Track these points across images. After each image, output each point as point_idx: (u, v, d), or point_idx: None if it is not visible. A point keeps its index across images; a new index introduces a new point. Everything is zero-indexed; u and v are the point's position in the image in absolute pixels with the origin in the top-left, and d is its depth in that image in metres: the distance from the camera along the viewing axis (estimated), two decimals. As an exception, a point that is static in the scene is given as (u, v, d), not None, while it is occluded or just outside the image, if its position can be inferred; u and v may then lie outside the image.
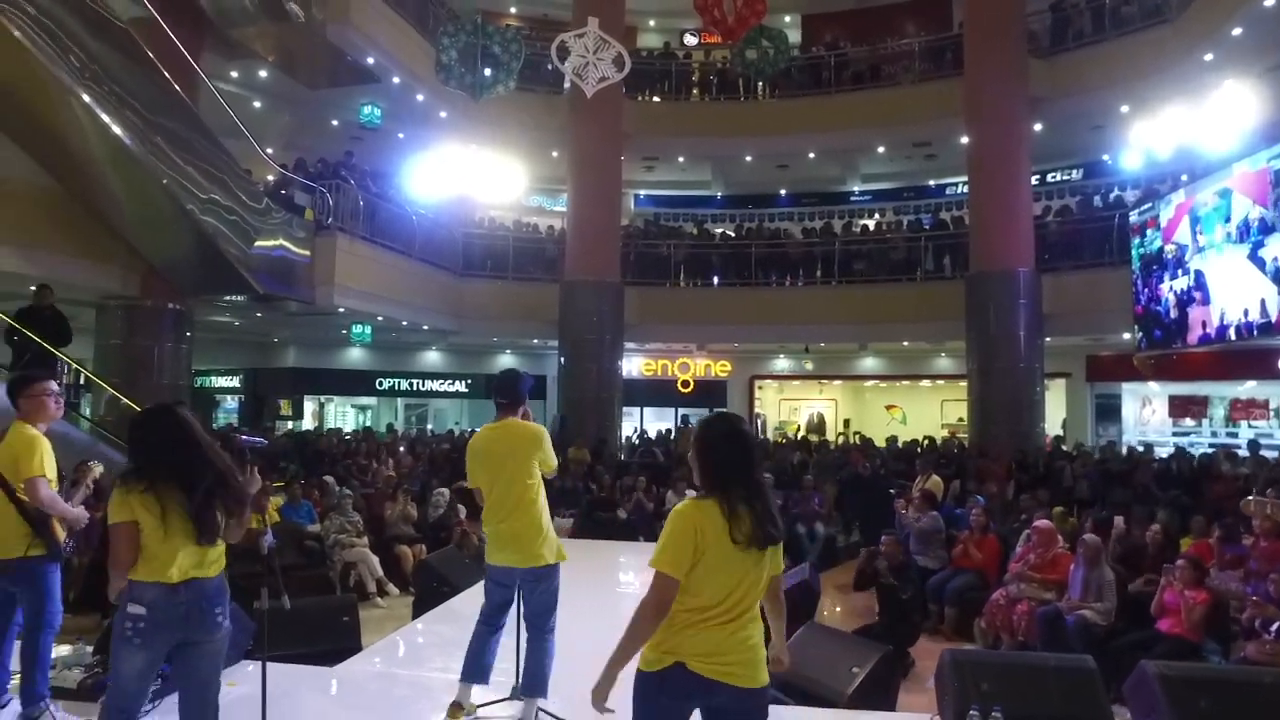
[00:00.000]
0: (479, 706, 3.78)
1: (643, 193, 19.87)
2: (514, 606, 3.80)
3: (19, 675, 3.67)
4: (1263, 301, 9.28)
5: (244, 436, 3.34)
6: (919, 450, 13.46)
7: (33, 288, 8.56)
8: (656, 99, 16.45)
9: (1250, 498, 5.76)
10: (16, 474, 3.55)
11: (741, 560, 2.32)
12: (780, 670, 2.48)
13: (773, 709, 4.04)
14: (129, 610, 2.73)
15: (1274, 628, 4.74)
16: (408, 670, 4.58)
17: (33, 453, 3.56)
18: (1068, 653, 4.78)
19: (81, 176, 8.66)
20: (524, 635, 3.76)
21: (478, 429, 4.22)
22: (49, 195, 8.67)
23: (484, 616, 3.78)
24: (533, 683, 3.66)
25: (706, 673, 2.28)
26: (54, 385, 3.85)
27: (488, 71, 7.87)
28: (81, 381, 11.68)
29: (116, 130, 7.92)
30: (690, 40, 19.17)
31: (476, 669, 3.71)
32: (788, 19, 17.82)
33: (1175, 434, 15.22)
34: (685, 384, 18.17)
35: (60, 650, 4.20)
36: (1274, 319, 9.11)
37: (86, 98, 7.60)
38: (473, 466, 3.81)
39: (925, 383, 18.57)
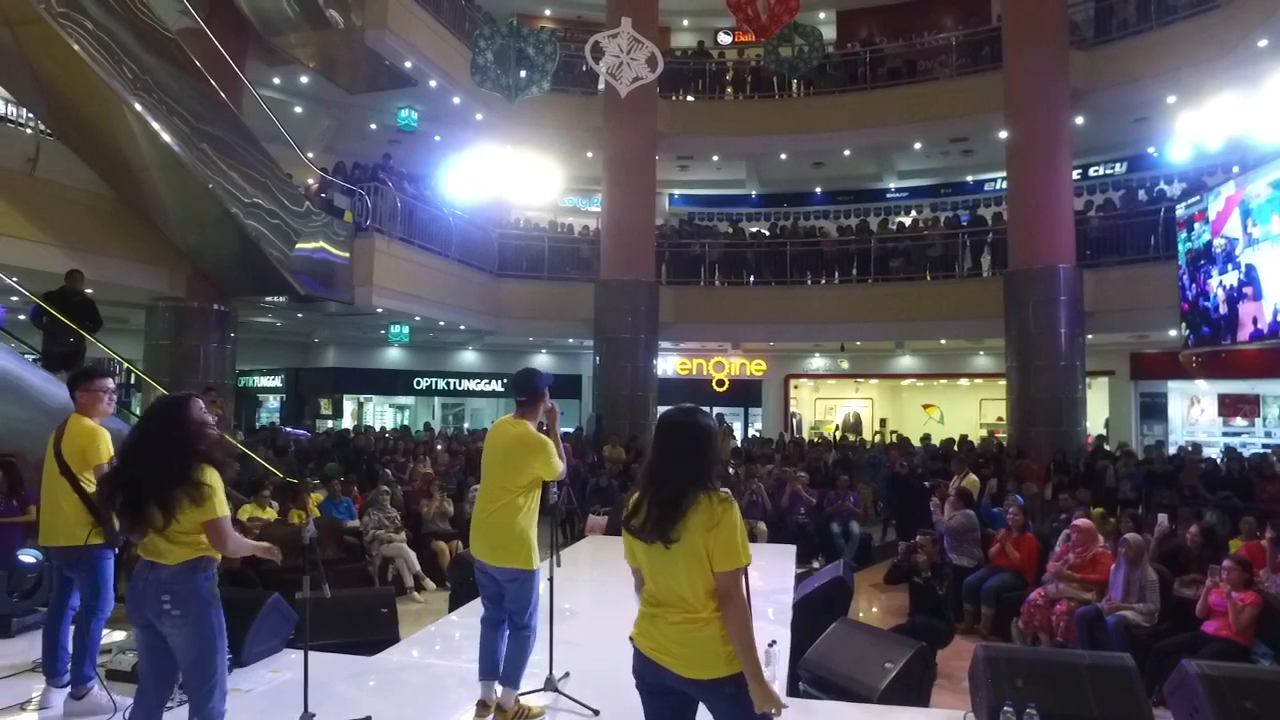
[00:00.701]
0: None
1: (677, 192, 19.89)
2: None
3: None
4: (1317, 296, 8.99)
5: (287, 429, 3.44)
6: (955, 449, 13.28)
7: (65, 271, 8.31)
8: (691, 98, 16.46)
9: None
10: (84, 463, 3.74)
11: (646, 550, 2.43)
12: (774, 714, 2.38)
13: (806, 703, 4.07)
14: None
15: None
16: (444, 661, 4.66)
17: (99, 442, 3.78)
18: (1107, 653, 4.68)
19: (132, 183, 8.97)
20: (555, 629, 3.80)
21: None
22: (103, 202, 9.01)
23: (485, 614, 3.83)
24: (506, 672, 3.70)
25: (647, 651, 2.43)
26: (110, 383, 4.04)
27: (523, 73, 7.96)
28: (132, 381, 12.08)
29: (166, 137, 8.19)
30: (724, 39, 19.16)
31: (489, 665, 3.76)
32: (823, 15, 17.71)
33: (1226, 434, 14.80)
34: (720, 383, 18.15)
35: (116, 636, 4.37)
36: (1328, 314, 8.82)
37: (139, 107, 7.88)
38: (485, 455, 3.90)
39: (963, 381, 18.30)
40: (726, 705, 2.38)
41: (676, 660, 2.37)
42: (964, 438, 14.64)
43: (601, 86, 13.81)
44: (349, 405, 19.60)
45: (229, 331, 11.15)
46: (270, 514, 8.03)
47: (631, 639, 2.49)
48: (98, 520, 3.72)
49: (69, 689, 3.76)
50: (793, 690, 4.29)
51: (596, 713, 3.73)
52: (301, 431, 3.15)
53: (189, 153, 8.43)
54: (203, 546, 2.92)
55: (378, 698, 3.99)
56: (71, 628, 3.86)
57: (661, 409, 14.51)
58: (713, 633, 2.35)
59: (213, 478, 2.90)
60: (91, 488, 3.72)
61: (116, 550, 3.94)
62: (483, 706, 3.74)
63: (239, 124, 9.39)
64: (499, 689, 3.73)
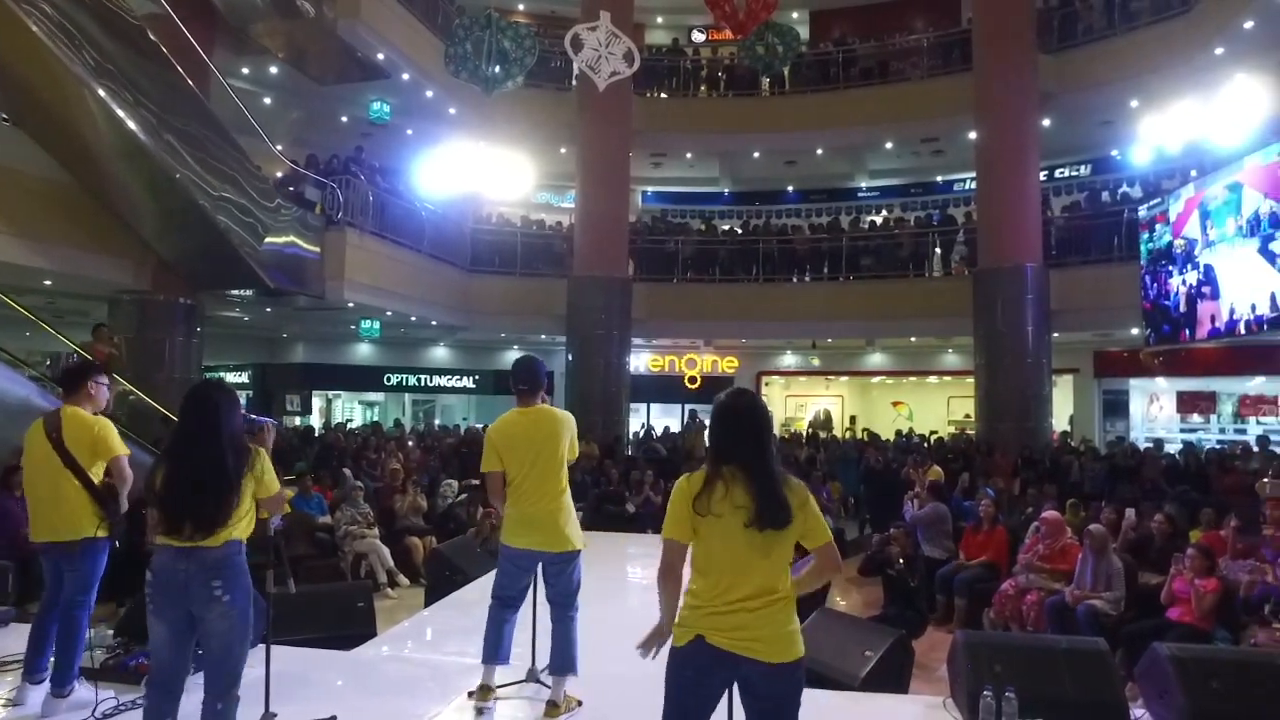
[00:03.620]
0: (498, 688, 3.82)
1: (650, 189, 19.90)
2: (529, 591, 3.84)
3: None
4: (1273, 295, 9.26)
5: (254, 415, 3.42)
6: (925, 445, 13.49)
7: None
8: (664, 95, 16.48)
9: (1265, 480, 5.76)
10: (95, 456, 3.69)
11: (737, 534, 2.35)
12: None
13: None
14: (146, 576, 2.84)
15: None
16: (421, 654, 4.63)
17: (113, 434, 3.77)
18: (1078, 640, 4.79)
19: (95, 171, 8.73)
20: (538, 620, 3.79)
21: (488, 422, 4.24)
22: (62, 190, 8.75)
23: (501, 600, 3.79)
24: (562, 661, 3.70)
25: (726, 645, 2.32)
26: (105, 379, 4.07)
27: (496, 68, 7.89)
28: (102, 380, 11.74)
29: (130, 125, 7.99)
30: (698, 37, 19.21)
31: (497, 651, 3.75)
32: (796, 15, 17.82)
33: (1183, 430, 15.19)
34: (692, 380, 18.20)
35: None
36: (1284, 313, 9.10)
37: (101, 93, 7.67)
38: (501, 451, 3.77)
39: (932, 379, 18.56)
40: (795, 687, 2.38)
41: (766, 647, 2.32)
42: (934, 434, 14.87)
43: (575, 82, 13.77)
44: (317, 401, 19.33)
45: (195, 326, 10.92)
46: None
47: (700, 637, 2.35)
48: (106, 512, 3.68)
49: (47, 686, 3.67)
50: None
51: (580, 704, 3.73)
52: (269, 419, 3.10)
53: (154, 142, 8.23)
54: (240, 524, 2.91)
55: (354, 691, 3.95)
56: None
57: (634, 406, 14.45)
58: (790, 613, 2.39)
59: (265, 454, 3.06)
60: (99, 480, 3.69)
61: (116, 543, 3.87)
62: (485, 690, 3.73)
63: (207, 113, 9.19)
64: (499, 670, 3.76)
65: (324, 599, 4.91)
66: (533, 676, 3.90)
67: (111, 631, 4.21)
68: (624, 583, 6.92)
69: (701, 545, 2.39)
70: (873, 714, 3.90)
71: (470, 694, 3.79)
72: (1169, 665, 3.49)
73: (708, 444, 2.53)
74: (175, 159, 8.48)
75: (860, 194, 18.97)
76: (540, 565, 3.78)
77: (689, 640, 2.36)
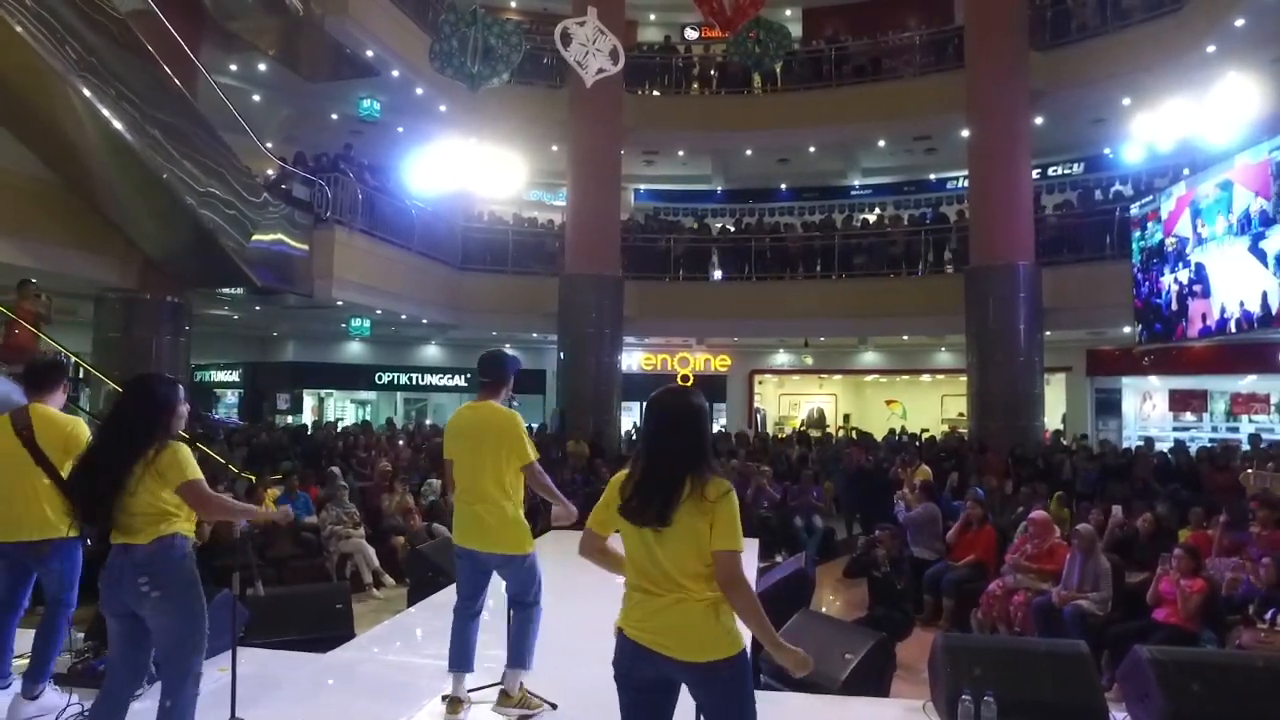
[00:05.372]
0: (471, 692, 3.77)
1: (643, 187, 19.84)
2: (485, 593, 3.77)
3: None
4: (1264, 294, 9.25)
5: (215, 417, 3.37)
6: (916, 444, 13.45)
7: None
8: (657, 93, 16.42)
9: (1250, 472, 5.74)
10: (66, 453, 3.59)
11: (637, 533, 2.37)
12: (804, 671, 2.44)
13: (765, 695, 4.05)
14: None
15: (1269, 614, 4.74)
16: (399, 656, 4.57)
17: (85, 432, 3.67)
18: (1063, 641, 4.76)
19: (78, 168, 8.66)
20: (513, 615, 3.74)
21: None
22: (45, 187, 8.67)
23: (459, 603, 3.74)
24: (515, 654, 3.65)
25: (640, 640, 2.34)
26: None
27: (477, 68, 7.83)
28: (80, 375, 11.69)
29: (113, 122, 7.91)
30: (690, 34, 19.15)
31: (461, 658, 3.68)
32: (789, 12, 17.77)
33: (1176, 428, 15.21)
34: (685, 378, 18.14)
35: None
36: (1275, 311, 9.08)
37: (84, 89, 7.59)
38: (448, 442, 3.81)
39: (925, 377, 18.55)
40: (721, 688, 2.32)
41: (677, 643, 2.30)
42: (926, 431, 14.84)
43: (567, 79, 13.71)
44: (309, 400, 19.25)
45: (183, 324, 10.84)
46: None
47: (620, 630, 2.40)
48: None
49: (13, 689, 3.60)
50: (754, 683, 4.27)
51: (555, 706, 3.68)
52: (231, 421, 3.06)
53: (139, 139, 8.15)
54: (175, 521, 2.85)
55: (331, 693, 3.90)
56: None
57: (627, 405, 14.44)
58: (711, 614, 2.31)
59: (178, 447, 2.93)
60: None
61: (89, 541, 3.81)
62: (455, 702, 3.64)
63: (192, 110, 9.11)
64: (468, 679, 3.67)
65: (301, 600, 4.86)
66: (504, 674, 3.84)
67: (82, 635, 4.14)
68: (610, 582, 6.87)
69: (623, 540, 2.45)
70: (852, 718, 3.86)
71: (444, 698, 3.74)
72: (1149, 668, 3.46)
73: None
74: (161, 155, 8.40)
75: (853, 192, 18.92)
76: (492, 566, 3.70)
77: (617, 632, 2.42)
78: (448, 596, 5.59)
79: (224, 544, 3.99)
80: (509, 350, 17.56)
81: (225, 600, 4.44)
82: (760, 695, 4.03)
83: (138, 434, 2.86)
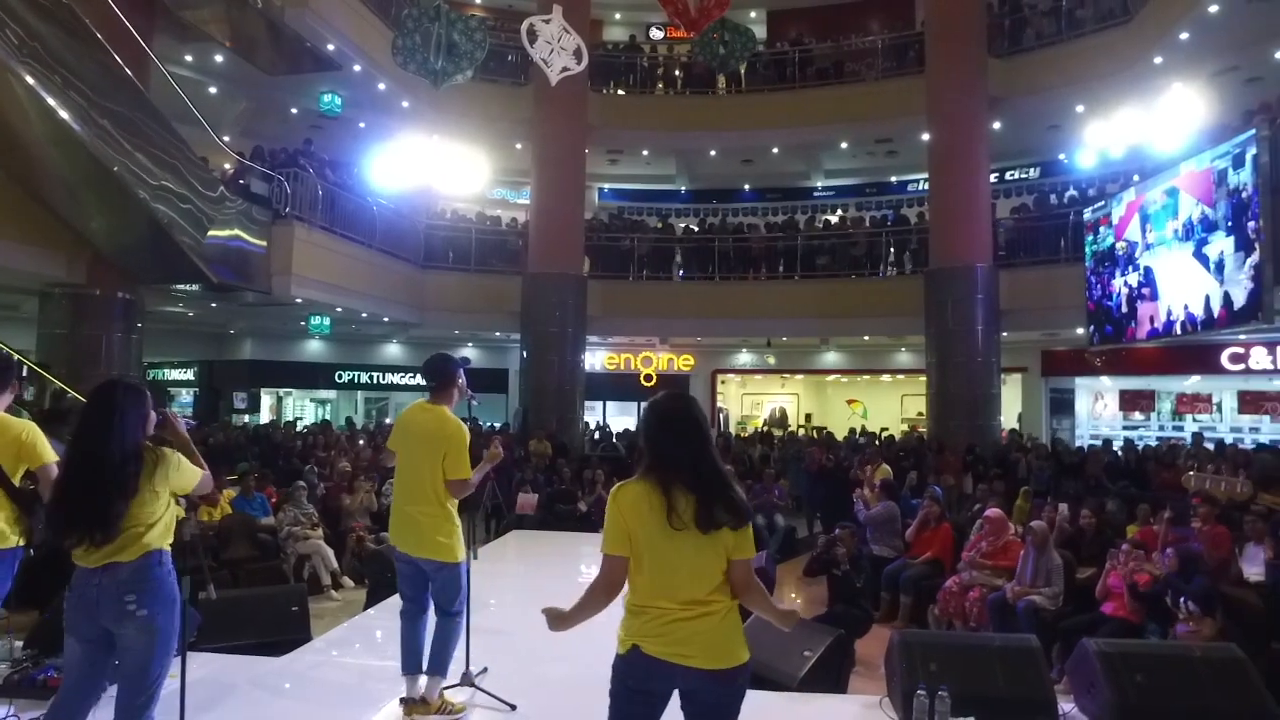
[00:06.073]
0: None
1: (607, 186, 19.84)
2: (428, 593, 3.75)
3: None
4: (1206, 297, 9.55)
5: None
6: (876, 443, 13.64)
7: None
8: (621, 92, 16.42)
9: (1191, 474, 5.92)
10: (19, 460, 3.44)
11: (679, 544, 2.29)
12: (794, 622, 2.51)
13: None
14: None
15: (1183, 600, 4.94)
16: (356, 659, 4.52)
17: (40, 438, 3.49)
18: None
19: (22, 158, 8.37)
20: (466, 621, 3.72)
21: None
22: (-13, 178, 8.39)
23: (403, 605, 3.73)
24: (434, 662, 3.64)
25: (660, 655, 2.28)
26: None
27: (440, 64, 7.75)
28: (24, 374, 11.32)
29: (59, 111, 7.64)
30: (656, 34, 19.18)
31: (412, 660, 3.67)
32: (753, 14, 17.91)
33: (1125, 427, 15.64)
34: (648, 378, 18.20)
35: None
36: (1216, 314, 9.38)
37: (26, 76, 7.32)
38: (395, 436, 3.81)
39: (886, 377, 18.82)
40: (736, 694, 2.34)
41: (701, 653, 2.27)
42: (885, 430, 15.05)
43: (531, 76, 13.64)
44: (267, 399, 18.89)
45: (135, 321, 10.55)
46: (178, 511, 7.64)
47: (636, 646, 2.30)
48: (32, 520, 3.46)
49: None
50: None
51: (514, 707, 3.66)
52: (188, 420, 3.02)
53: (87, 129, 7.89)
54: (156, 534, 2.77)
55: (277, 701, 3.82)
56: None
57: (590, 404, 14.39)
58: (731, 622, 2.33)
59: (173, 452, 2.88)
60: (18, 485, 3.46)
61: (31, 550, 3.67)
62: (408, 703, 3.63)
63: (144, 100, 8.84)
64: (423, 680, 3.63)
65: (256, 603, 4.77)
66: (467, 680, 3.83)
67: (21, 643, 4.01)
68: (575, 583, 6.86)
69: (646, 555, 2.32)
70: (810, 714, 3.90)
71: (402, 700, 3.70)
72: (1096, 660, 3.56)
73: (647, 451, 2.41)
74: (111, 146, 8.14)
75: (816, 193, 19.14)
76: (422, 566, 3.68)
77: (628, 649, 2.32)
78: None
79: (174, 546, 3.86)
80: (469, 351, 17.53)
81: (183, 606, 4.35)
82: (720, 693, 4.09)
83: (133, 443, 2.77)
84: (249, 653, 4.38)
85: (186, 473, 2.90)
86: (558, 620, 2.41)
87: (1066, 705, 3.77)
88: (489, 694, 3.72)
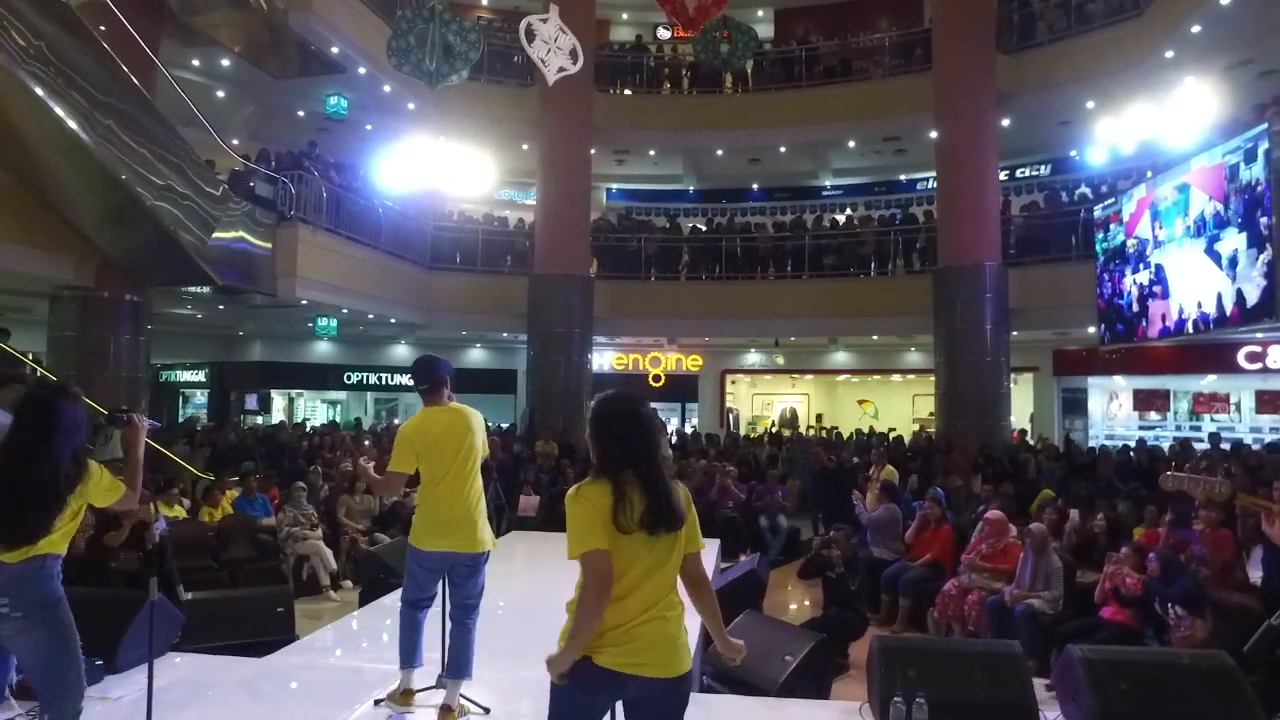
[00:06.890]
0: (420, 692, 3.75)
1: (614, 186, 19.81)
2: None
3: None
4: (1219, 295, 9.37)
5: (122, 409, 3.19)
6: (885, 444, 13.52)
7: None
8: (628, 92, 16.40)
9: (1169, 474, 5.79)
10: None
11: (631, 546, 2.24)
12: (734, 663, 2.47)
13: (704, 698, 4.04)
14: None
15: (1170, 606, 4.85)
16: (336, 660, 4.51)
17: None
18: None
19: (28, 162, 8.46)
20: (448, 623, 3.72)
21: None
22: (-4, 182, 8.49)
23: (413, 602, 3.72)
24: (459, 666, 3.64)
25: (612, 666, 2.21)
26: None
27: (433, 65, 7.75)
28: (37, 375, 11.47)
29: (64, 115, 7.71)
30: (663, 34, 19.14)
31: (415, 654, 3.72)
32: (760, 13, 17.82)
33: (1141, 427, 15.39)
34: (656, 378, 18.15)
35: None
36: (1229, 312, 9.20)
37: (31, 81, 7.40)
38: (421, 451, 3.68)
39: (896, 377, 18.65)
40: (683, 700, 2.30)
41: (655, 661, 2.22)
42: (894, 430, 14.92)
43: (537, 78, 13.64)
44: (279, 400, 19.03)
45: (144, 323, 10.64)
46: (179, 511, 7.72)
47: (587, 658, 2.22)
48: None
49: None
50: (696, 685, 4.26)
51: (487, 711, 3.64)
52: (152, 421, 3.02)
53: (92, 133, 7.96)
54: (50, 543, 2.73)
55: (252, 701, 3.81)
56: None
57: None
58: (681, 627, 2.29)
59: (100, 466, 2.87)
60: None
61: None
62: (408, 694, 3.67)
63: (149, 104, 8.89)
64: (416, 676, 3.69)
65: (241, 604, 4.78)
66: (442, 683, 3.80)
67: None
68: (575, 583, 6.82)
69: (621, 562, 2.25)
70: (789, 719, 3.85)
71: (377, 701, 3.70)
72: (1079, 666, 3.48)
73: (595, 453, 2.37)
74: (116, 149, 8.21)
75: (824, 192, 19.00)
76: (449, 568, 3.69)
77: (581, 662, 2.24)
78: (395, 599, 5.54)
79: (143, 549, 3.89)
80: (477, 352, 17.50)
81: (151, 607, 4.37)
82: (700, 698, 4.04)
83: (68, 453, 2.76)
84: (233, 653, 4.39)
85: (106, 488, 2.86)
86: (564, 655, 2.24)
87: (1052, 713, 3.69)
88: (464, 697, 3.69)
